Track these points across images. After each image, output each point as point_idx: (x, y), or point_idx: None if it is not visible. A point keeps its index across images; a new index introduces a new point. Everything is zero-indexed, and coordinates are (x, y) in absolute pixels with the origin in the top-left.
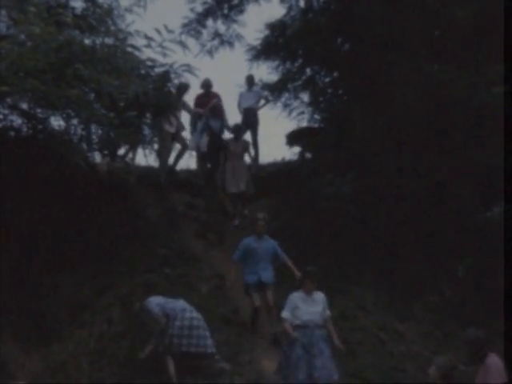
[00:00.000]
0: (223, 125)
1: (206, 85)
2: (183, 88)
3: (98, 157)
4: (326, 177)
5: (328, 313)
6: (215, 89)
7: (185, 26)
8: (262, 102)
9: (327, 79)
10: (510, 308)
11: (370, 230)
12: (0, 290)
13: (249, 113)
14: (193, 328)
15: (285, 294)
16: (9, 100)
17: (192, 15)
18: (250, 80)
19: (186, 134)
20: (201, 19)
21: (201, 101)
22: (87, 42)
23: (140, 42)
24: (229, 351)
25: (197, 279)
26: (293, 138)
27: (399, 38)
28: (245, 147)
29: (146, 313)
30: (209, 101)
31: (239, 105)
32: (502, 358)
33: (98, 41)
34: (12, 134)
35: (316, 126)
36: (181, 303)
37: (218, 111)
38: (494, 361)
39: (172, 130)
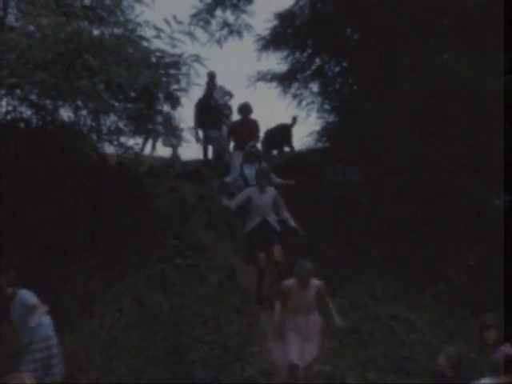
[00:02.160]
0: None
1: (245, 110)
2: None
3: (107, 147)
4: (335, 166)
5: None
6: (222, 79)
7: (194, 16)
8: (227, 97)
9: (337, 69)
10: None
11: (380, 218)
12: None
13: None
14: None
15: None
16: (18, 92)
17: (201, 5)
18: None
19: None
20: (210, 9)
21: (237, 130)
22: (96, 32)
23: (149, 32)
24: (240, 341)
25: (207, 269)
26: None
27: (408, 27)
28: (319, 291)
29: (20, 306)
30: (246, 131)
31: None
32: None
33: (107, 31)
34: (22, 125)
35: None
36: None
37: (254, 157)
38: (507, 351)
39: None
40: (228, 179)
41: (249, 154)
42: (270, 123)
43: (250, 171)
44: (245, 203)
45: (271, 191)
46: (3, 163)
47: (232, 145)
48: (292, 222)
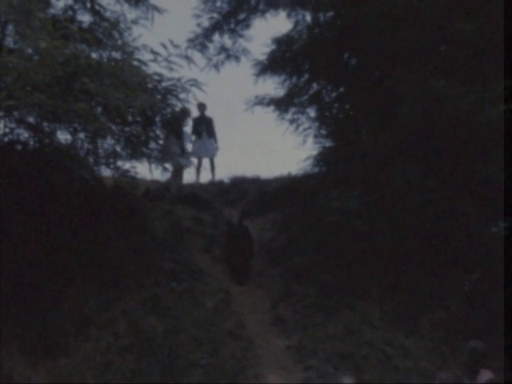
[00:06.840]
0: None
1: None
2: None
3: (104, 171)
4: (332, 191)
5: None
6: (219, 103)
7: (191, 40)
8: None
9: (333, 94)
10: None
11: (377, 244)
12: (6, 303)
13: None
14: None
15: None
16: (16, 114)
17: (198, 30)
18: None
19: None
20: (207, 34)
21: None
22: (94, 55)
23: (147, 56)
24: (235, 365)
25: (203, 293)
26: None
27: (405, 53)
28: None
29: None
30: None
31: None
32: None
33: (105, 55)
34: (19, 147)
35: None
36: None
37: None
38: (486, 378)
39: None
40: None
41: None
42: (267, 147)
43: None
44: None
45: None
46: (0, 185)
47: None
48: None
